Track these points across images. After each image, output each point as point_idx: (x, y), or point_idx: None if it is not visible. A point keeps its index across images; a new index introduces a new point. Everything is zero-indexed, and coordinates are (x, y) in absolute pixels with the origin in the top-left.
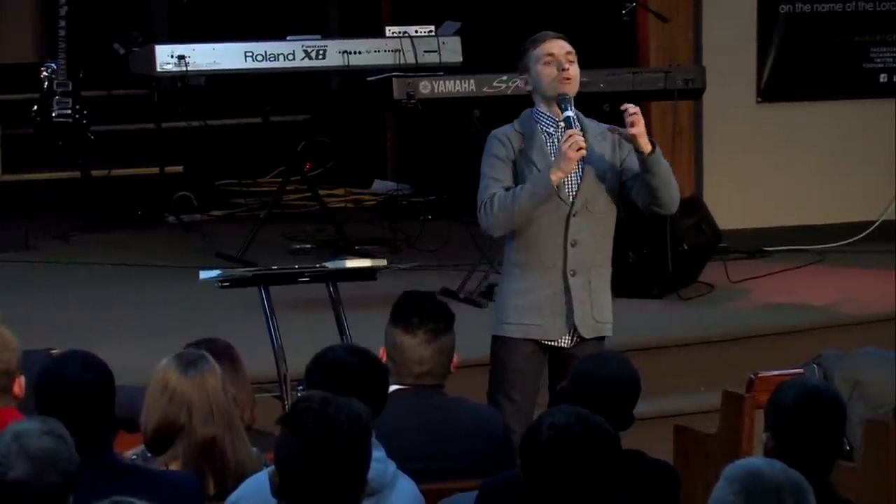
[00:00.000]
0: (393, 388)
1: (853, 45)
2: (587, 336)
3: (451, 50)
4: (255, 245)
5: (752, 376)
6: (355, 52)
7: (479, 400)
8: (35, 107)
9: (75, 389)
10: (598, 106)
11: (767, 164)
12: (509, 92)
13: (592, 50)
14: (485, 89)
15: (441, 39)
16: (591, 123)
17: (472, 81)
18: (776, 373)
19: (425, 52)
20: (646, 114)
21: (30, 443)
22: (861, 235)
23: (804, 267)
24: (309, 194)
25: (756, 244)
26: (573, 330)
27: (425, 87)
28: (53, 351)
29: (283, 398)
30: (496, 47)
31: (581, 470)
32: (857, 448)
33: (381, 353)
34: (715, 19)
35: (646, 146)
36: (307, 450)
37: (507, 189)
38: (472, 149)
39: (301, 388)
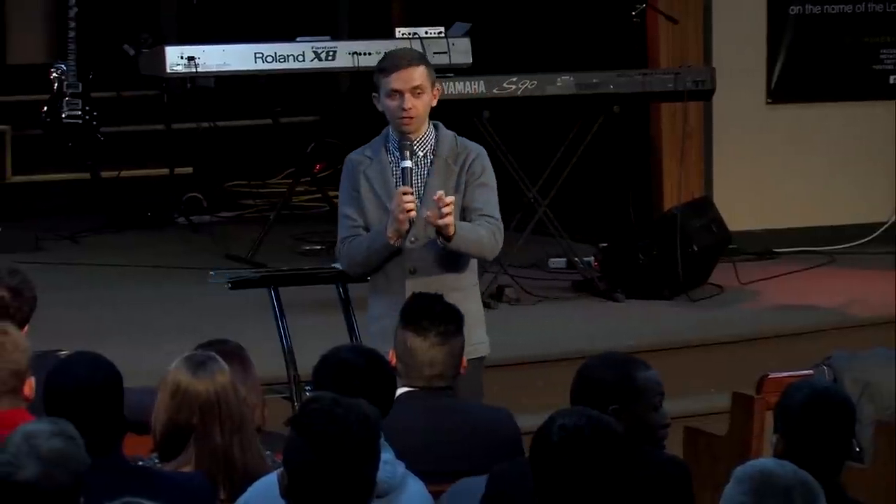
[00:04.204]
0: (403, 389)
1: (863, 47)
2: None
3: (461, 51)
4: (264, 246)
5: (762, 378)
6: (365, 54)
7: (488, 401)
8: (45, 108)
9: (83, 391)
10: (609, 107)
11: (777, 165)
12: (519, 93)
13: (602, 51)
14: (494, 90)
15: (451, 41)
16: (445, 143)
17: (481, 83)
18: (786, 374)
19: (435, 53)
20: (656, 115)
21: (40, 443)
22: (871, 237)
23: (814, 268)
24: (319, 195)
25: (766, 245)
26: None
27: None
28: (62, 352)
29: (293, 399)
30: (506, 48)
31: (592, 470)
32: (867, 450)
33: (391, 355)
34: (725, 20)
35: (448, 233)
36: (316, 451)
37: (356, 226)
38: None
39: (309, 388)
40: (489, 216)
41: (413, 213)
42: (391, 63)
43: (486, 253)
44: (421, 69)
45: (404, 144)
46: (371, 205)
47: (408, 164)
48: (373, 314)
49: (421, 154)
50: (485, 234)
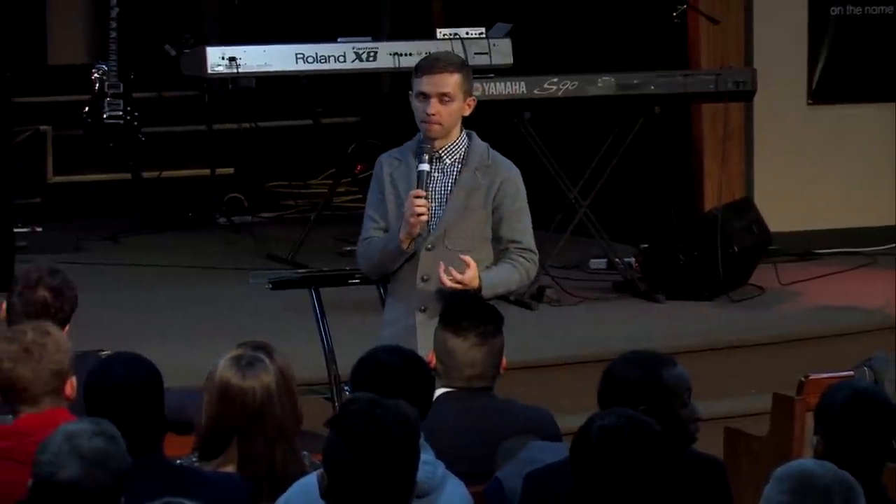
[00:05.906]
0: (442, 390)
1: None
2: None
3: (502, 52)
4: (305, 247)
5: (803, 379)
6: (406, 54)
7: (528, 401)
8: (86, 108)
9: (123, 391)
10: (650, 108)
11: (818, 165)
12: (560, 94)
13: (643, 52)
14: (535, 91)
15: (492, 41)
16: (476, 154)
17: (522, 83)
18: (827, 375)
19: (476, 53)
20: (697, 116)
21: (81, 443)
22: None
23: (855, 269)
24: (360, 196)
25: (807, 246)
26: None
27: (476, 89)
28: (103, 352)
29: (334, 400)
30: (547, 49)
31: (631, 470)
32: None
33: (430, 357)
34: (766, 21)
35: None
36: (356, 452)
37: (378, 227)
38: (523, 150)
39: (348, 389)
40: (528, 250)
41: (425, 218)
42: (427, 64)
43: (514, 291)
44: (455, 77)
45: (424, 148)
46: (393, 206)
47: (425, 167)
48: (387, 318)
49: (449, 161)
50: (517, 278)
